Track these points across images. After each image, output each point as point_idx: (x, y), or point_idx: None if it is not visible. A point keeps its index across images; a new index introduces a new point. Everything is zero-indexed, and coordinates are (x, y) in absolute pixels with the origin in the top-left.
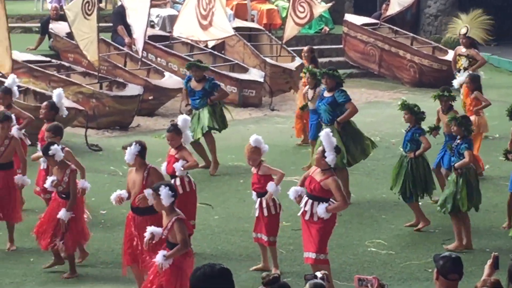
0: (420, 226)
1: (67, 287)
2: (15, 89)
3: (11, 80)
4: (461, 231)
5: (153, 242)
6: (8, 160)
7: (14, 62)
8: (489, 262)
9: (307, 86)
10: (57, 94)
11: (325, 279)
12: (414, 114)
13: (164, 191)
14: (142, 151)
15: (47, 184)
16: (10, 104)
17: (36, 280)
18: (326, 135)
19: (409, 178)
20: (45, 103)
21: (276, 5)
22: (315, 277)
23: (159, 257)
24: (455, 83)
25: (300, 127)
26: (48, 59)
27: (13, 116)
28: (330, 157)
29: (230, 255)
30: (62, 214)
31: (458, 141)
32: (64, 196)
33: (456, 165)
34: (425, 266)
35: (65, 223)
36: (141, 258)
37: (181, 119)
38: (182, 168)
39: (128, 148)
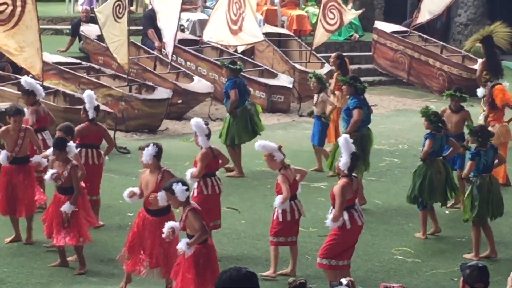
0: (419, 235)
1: (94, 287)
2: (37, 87)
3: (23, 81)
4: (479, 241)
5: (174, 235)
6: (25, 154)
7: (45, 63)
8: None
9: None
10: (86, 95)
11: (351, 286)
12: (430, 121)
13: (178, 188)
14: (158, 153)
15: (47, 177)
16: (34, 103)
17: (62, 281)
18: (344, 140)
19: (416, 183)
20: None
21: (306, 11)
22: (341, 283)
23: (182, 245)
24: (478, 92)
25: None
26: (78, 61)
27: (25, 110)
28: (342, 161)
29: (256, 260)
30: (65, 207)
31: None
32: (63, 191)
33: (462, 175)
34: (451, 275)
35: (68, 216)
36: (137, 256)
37: (193, 123)
38: (189, 177)
39: (146, 149)
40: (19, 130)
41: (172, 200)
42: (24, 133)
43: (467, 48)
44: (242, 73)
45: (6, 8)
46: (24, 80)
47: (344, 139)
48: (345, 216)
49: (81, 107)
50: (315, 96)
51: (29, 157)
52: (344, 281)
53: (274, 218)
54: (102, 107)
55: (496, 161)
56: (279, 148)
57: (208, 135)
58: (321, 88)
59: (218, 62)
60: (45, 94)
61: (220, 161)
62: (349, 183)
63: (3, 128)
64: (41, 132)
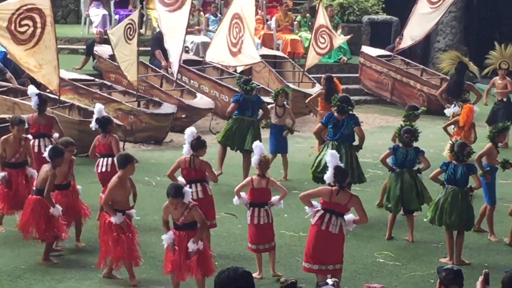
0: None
1: (106, 284)
2: (33, 98)
3: (28, 90)
4: (452, 247)
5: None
6: (24, 159)
7: (61, 80)
8: (481, 278)
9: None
10: (97, 109)
11: (336, 286)
12: (397, 136)
13: (187, 191)
14: None
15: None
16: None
17: (74, 278)
18: (329, 155)
19: (389, 192)
20: None
21: (300, 36)
22: (327, 284)
23: (192, 245)
24: (446, 112)
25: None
26: (92, 78)
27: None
28: (327, 175)
29: (250, 260)
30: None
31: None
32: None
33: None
34: (428, 277)
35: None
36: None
37: (186, 131)
38: None
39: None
40: (20, 139)
41: (179, 204)
42: (24, 141)
43: (446, 70)
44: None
45: (27, 29)
46: (29, 88)
47: (330, 154)
48: (319, 212)
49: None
50: (279, 108)
51: (27, 162)
52: (329, 281)
53: (249, 222)
54: (114, 120)
55: (475, 185)
56: (262, 157)
57: (198, 146)
58: (285, 102)
59: (220, 81)
60: (61, 107)
61: (207, 174)
62: (331, 191)
63: (4, 137)
64: (36, 138)
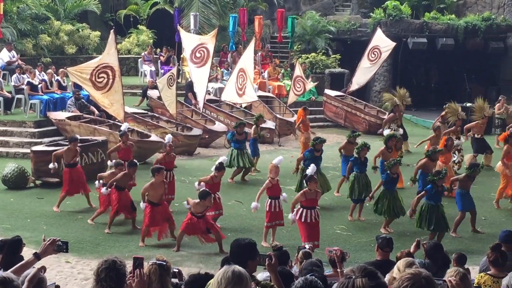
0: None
1: (153, 248)
2: (122, 130)
3: (124, 126)
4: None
5: None
6: (76, 162)
7: (126, 113)
8: (414, 244)
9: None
10: (123, 127)
11: (311, 249)
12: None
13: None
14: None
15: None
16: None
17: (136, 244)
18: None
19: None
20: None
21: (283, 83)
22: (305, 247)
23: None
24: (384, 132)
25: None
26: (146, 112)
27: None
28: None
29: (252, 232)
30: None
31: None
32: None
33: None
34: (370, 242)
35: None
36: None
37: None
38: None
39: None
40: (76, 150)
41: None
42: (78, 151)
43: (386, 99)
44: (244, 119)
45: (103, 80)
46: (123, 125)
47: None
48: (300, 213)
49: (148, 139)
50: (256, 128)
51: (77, 163)
52: (307, 246)
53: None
54: (159, 139)
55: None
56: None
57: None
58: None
59: (230, 113)
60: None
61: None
62: (306, 192)
63: (66, 148)
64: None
